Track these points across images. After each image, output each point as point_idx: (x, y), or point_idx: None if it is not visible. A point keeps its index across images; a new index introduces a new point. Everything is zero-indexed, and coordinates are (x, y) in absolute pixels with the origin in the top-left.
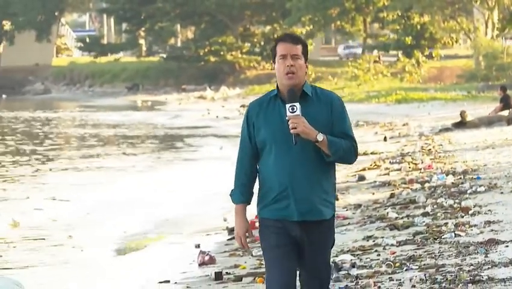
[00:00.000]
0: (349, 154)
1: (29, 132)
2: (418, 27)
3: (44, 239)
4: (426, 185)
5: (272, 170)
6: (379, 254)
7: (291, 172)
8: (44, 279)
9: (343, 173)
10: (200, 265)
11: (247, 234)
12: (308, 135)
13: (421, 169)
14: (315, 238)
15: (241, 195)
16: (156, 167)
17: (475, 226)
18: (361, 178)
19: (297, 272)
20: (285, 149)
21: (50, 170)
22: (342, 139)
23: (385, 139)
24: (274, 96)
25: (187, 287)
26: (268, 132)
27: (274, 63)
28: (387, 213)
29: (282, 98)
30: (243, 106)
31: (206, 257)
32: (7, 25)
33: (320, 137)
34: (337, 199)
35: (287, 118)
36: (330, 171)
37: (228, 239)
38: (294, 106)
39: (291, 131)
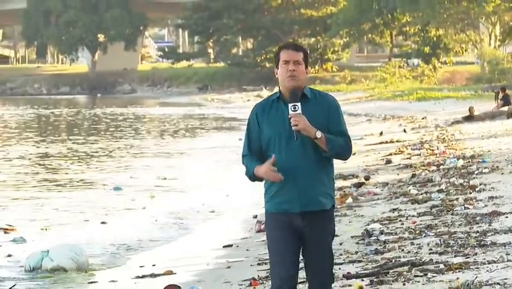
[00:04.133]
0: (344, 150)
1: (123, 124)
2: (435, 39)
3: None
4: (441, 167)
5: (276, 165)
6: (402, 224)
7: (293, 167)
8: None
9: (373, 157)
10: (257, 232)
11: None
12: (308, 132)
13: (437, 154)
14: (317, 228)
15: (256, 163)
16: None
17: (481, 200)
18: (388, 161)
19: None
20: (286, 146)
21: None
22: (338, 137)
23: (404, 131)
24: (276, 98)
25: (247, 250)
26: (272, 130)
27: (278, 68)
28: (409, 190)
29: (284, 100)
30: None
31: (262, 226)
32: (101, 37)
33: (319, 134)
34: (367, 179)
35: (289, 116)
36: (328, 166)
37: None
38: (296, 105)
39: (293, 128)
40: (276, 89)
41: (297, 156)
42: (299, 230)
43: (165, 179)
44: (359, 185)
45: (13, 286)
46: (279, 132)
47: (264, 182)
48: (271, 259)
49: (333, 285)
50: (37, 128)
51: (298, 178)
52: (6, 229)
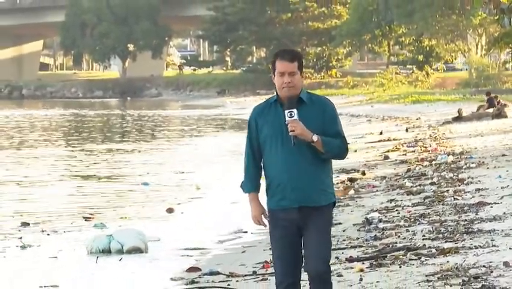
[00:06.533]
0: (341, 151)
1: (151, 124)
2: (428, 48)
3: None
4: (433, 162)
5: (273, 165)
6: (398, 213)
7: (289, 166)
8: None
9: (372, 154)
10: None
11: (262, 215)
12: (305, 136)
13: (429, 151)
14: (314, 222)
15: (250, 185)
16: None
17: (468, 192)
18: (386, 157)
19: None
20: (283, 147)
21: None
22: (335, 139)
23: (406, 130)
24: (274, 102)
25: (260, 236)
26: (269, 132)
27: (274, 75)
28: (405, 183)
29: (281, 104)
30: None
31: None
32: (131, 47)
33: (315, 138)
34: (364, 174)
35: (286, 122)
36: (326, 165)
37: None
38: (292, 112)
39: (290, 134)
40: None
41: (292, 157)
42: (297, 225)
43: (183, 173)
44: (353, 180)
45: (120, 259)
46: (275, 134)
47: (265, 179)
48: (273, 256)
49: (337, 267)
50: (72, 128)
51: (294, 177)
52: (88, 218)
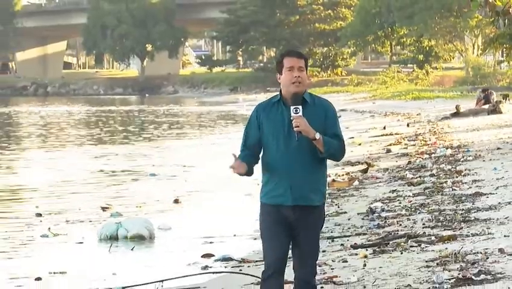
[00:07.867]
0: (339, 152)
1: (168, 120)
2: (427, 48)
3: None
4: (433, 155)
5: (272, 162)
6: (400, 202)
7: (288, 164)
8: None
9: (375, 147)
10: None
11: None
12: (308, 133)
13: (429, 144)
14: (307, 222)
15: (244, 158)
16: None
17: (466, 183)
18: (388, 151)
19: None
20: (284, 145)
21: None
22: (334, 140)
23: (407, 125)
24: (277, 101)
25: None
26: (271, 129)
27: (281, 74)
28: (406, 174)
29: (285, 103)
30: None
31: None
32: (149, 47)
33: (318, 136)
34: (370, 166)
35: (291, 118)
36: (322, 166)
37: None
38: (298, 108)
39: (295, 129)
40: None
41: (293, 154)
42: (290, 222)
43: (184, 166)
44: (365, 171)
45: (132, 248)
46: (277, 131)
47: (262, 176)
48: (263, 244)
49: (342, 254)
50: (93, 122)
51: (292, 174)
52: (105, 208)
